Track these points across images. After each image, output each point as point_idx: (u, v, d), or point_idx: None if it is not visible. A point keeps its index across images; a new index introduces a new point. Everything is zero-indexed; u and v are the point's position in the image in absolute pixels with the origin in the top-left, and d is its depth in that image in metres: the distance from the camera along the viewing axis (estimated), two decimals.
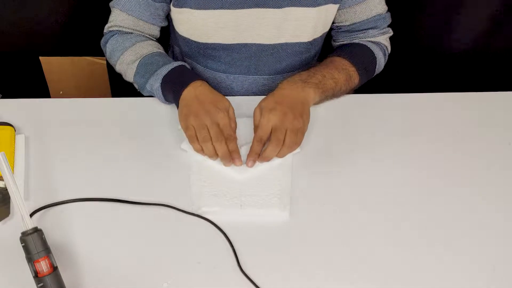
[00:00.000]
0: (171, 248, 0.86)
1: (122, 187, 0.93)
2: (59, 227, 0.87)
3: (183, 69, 1.07)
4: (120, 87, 1.65)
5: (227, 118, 0.97)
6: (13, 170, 0.93)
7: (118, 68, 1.14)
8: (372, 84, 1.22)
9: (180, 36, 1.17)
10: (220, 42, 1.13)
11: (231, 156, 0.95)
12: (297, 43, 1.16)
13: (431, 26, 1.56)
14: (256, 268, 0.83)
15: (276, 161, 0.98)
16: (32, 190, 0.92)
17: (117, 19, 1.14)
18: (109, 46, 1.15)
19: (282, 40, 1.14)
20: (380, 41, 1.20)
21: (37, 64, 1.55)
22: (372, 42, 1.20)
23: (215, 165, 0.97)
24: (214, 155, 0.95)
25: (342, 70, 1.10)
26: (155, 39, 1.18)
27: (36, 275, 0.74)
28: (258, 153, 0.97)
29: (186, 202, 0.92)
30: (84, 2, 1.43)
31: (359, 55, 1.16)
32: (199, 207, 0.91)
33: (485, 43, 1.58)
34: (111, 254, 0.84)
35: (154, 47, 1.13)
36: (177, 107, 1.02)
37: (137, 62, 1.09)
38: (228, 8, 1.07)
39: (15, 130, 1.01)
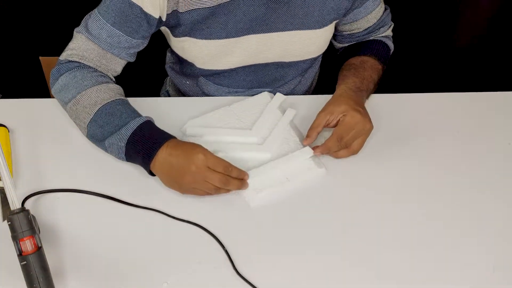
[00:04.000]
0: (170, 248, 0.86)
1: (118, 187, 0.93)
2: (59, 220, 0.87)
3: (150, 127, 0.95)
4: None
5: (213, 165, 0.89)
6: (11, 170, 0.93)
7: (69, 106, 0.99)
8: None
9: (185, 60, 1.14)
10: (225, 68, 1.11)
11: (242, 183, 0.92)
12: (302, 61, 1.16)
13: (431, 27, 1.56)
14: (252, 269, 0.83)
15: (281, 134, 1.03)
16: (28, 189, 0.92)
17: (81, 47, 1.01)
18: (64, 79, 1.00)
19: (288, 59, 1.14)
20: (388, 34, 1.23)
21: (37, 64, 1.55)
22: (384, 36, 1.22)
23: (242, 154, 0.99)
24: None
25: (376, 73, 1.13)
26: (114, 77, 1.06)
27: (20, 254, 0.75)
28: (333, 151, 0.99)
29: (176, 207, 0.91)
30: (84, 2, 1.43)
31: (382, 52, 1.18)
32: (252, 197, 0.93)
33: (485, 43, 1.58)
34: (111, 255, 0.84)
35: (117, 92, 1.00)
36: (147, 171, 0.93)
37: (96, 108, 0.95)
38: (234, 37, 1.04)
39: (9, 131, 1.01)
